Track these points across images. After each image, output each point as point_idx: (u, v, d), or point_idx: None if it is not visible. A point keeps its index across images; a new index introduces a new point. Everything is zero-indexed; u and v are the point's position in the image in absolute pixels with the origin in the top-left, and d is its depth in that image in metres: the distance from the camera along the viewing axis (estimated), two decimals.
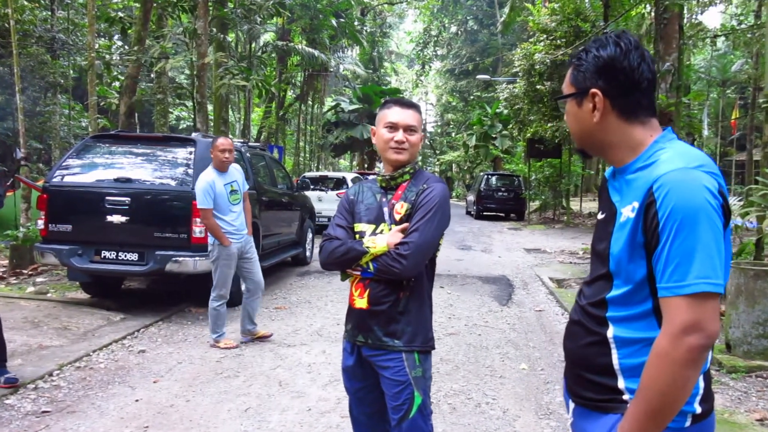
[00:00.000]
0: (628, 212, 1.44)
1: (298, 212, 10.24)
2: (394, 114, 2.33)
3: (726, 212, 1.38)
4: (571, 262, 11.61)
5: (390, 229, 2.30)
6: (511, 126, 24.93)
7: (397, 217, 2.31)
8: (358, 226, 2.39)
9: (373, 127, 2.42)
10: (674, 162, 1.38)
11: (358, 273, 2.30)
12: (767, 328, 5.04)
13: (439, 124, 57.04)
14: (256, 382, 4.66)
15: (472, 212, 24.48)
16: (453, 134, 48.55)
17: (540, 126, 18.51)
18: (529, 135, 20.13)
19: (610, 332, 1.48)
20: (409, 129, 2.32)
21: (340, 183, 16.65)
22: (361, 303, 2.31)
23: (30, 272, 8.56)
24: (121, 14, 15.63)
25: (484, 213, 23.62)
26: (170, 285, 8.14)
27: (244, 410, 4.10)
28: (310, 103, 31.59)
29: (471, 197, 25.55)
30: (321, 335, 6.08)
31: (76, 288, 7.59)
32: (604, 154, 1.58)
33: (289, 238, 9.74)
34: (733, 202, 8.53)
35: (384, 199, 2.38)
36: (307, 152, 33.43)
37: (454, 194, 46.40)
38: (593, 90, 1.50)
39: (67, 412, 4.02)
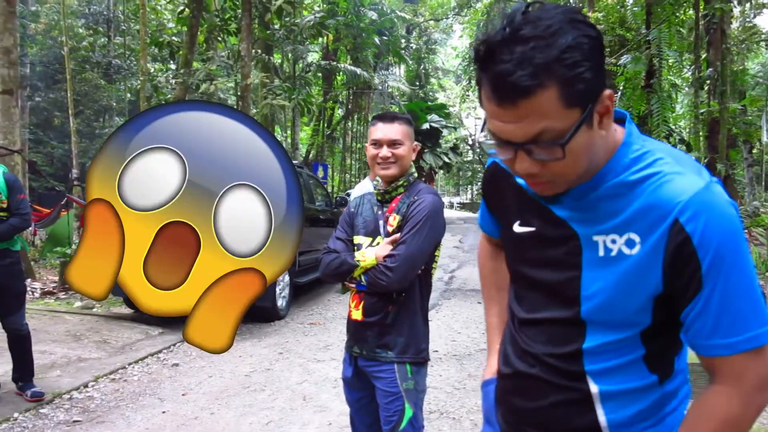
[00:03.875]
0: (619, 245, 1.07)
1: None
2: (377, 131, 2.36)
3: None
4: None
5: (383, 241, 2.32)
6: None
7: (390, 229, 2.33)
8: (357, 239, 2.43)
9: (367, 144, 2.46)
10: (689, 177, 1.04)
11: (354, 286, 2.33)
12: None
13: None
14: (281, 396, 4.70)
15: None
16: None
17: None
18: None
19: (594, 388, 1.16)
20: (393, 143, 2.33)
21: None
22: (357, 315, 2.35)
23: None
24: (170, 38, 16.21)
25: None
26: None
27: (266, 423, 4.15)
28: (356, 120, 31.95)
29: None
30: None
31: (120, 303, 7.84)
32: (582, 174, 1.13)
33: None
34: None
35: (380, 212, 2.40)
36: (354, 169, 33.76)
37: None
38: (609, 93, 1.02)
39: (96, 422, 4.15)
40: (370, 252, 2.28)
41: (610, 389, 1.15)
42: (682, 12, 11.30)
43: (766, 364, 1.05)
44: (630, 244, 1.06)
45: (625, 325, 1.11)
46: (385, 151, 2.32)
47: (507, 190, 1.27)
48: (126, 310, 7.59)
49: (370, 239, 2.37)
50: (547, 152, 0.99)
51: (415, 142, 2.43)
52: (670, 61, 11.90)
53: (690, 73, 13.59)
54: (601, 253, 1.09)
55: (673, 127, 20.14)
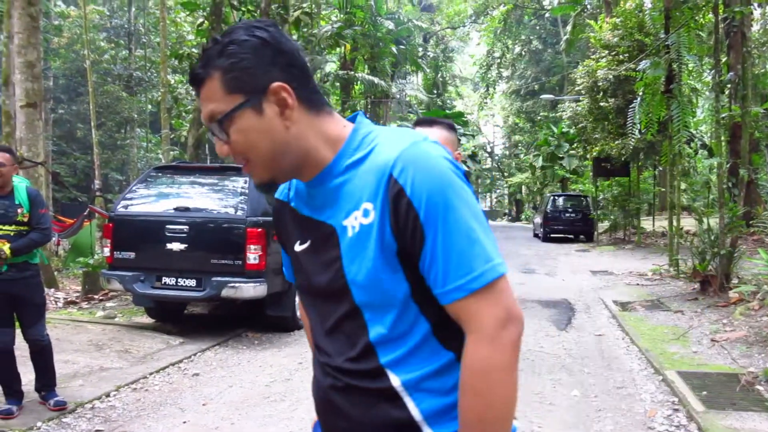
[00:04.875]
0: (359, 220, 1.11)
1: None
2: None
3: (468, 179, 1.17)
4: (638, 284, 11.18)
5: None
6: (576, 145, 24.43)
7: None
8: None
9: None
10: (401, 140, 1.11)
11: None
12: None
13: (506, 146, 56.50)
14: (301, 407, 4.70)
15: (539, 235, 23.99)
16: (521, 156, 47.96)
17: (606, 144, 18.05)
18: (594, 154, 19.67)
19: (395, 381, 1.13)
20: None
21: None
22: None
23: (101, 297, 9.00)
24: (190, 50, 16.40)
25: (551, 235, 23.10)
26: (229, 310, 8.36)
27: None
28: None
29: (537, 219, 25.06)
30: None
31: (142, 313, 7.91)
32: (300, 169, 1.18)
33: None
34: None
35: None
36: None
37: (523, 217, 45.63)
38: (277, 85, 1.10)
39: None
40: None
41: (411, 378, 1.13)
42: (701, 16, 11.18)
43: (499, 301, 1.06)
44: (366, 213, 1.11)
45: (391, 297, 1.12)
46: None
47: (287, 219, 1.32)
48: (147, 320, 7.65)
49: None
50: (218, 132, 1.14)
51: (458, 151, 2.33)
52: (689, 65, 11.75)
53: (710, 77, 13.45)
54: (350, 234, 1.13)
55: (694, 132, 19.91)
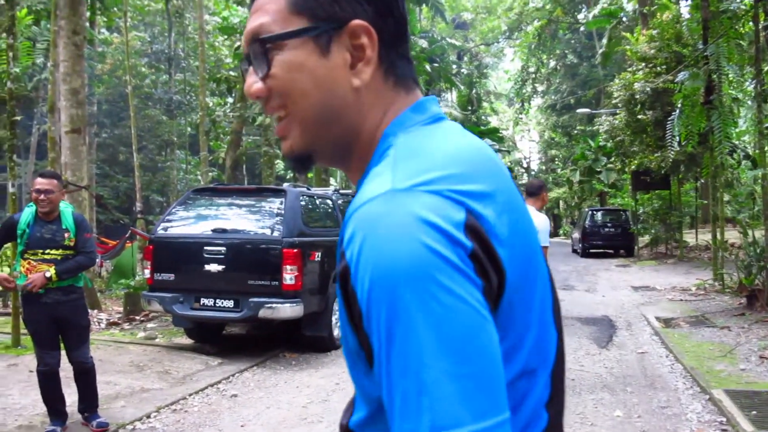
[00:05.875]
0: (341, 268, 0.74)
1: None
2: None
3: (481, 267, 0.67)
4: (681, 300, 10.89)
5: None
6: (613, 159, 24.09)
7: None
8: None
9: None
10: (381, 180, 0.72)
11: None
12: None
13: (542, 161, 55.99)
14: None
15: (578, 250, 23.62)
16: (558, 170, 47.46)
17: (644, 157, 17.76)
18: (633, 167, 19.35)
19: None
20: None
21: None
22: None
23: (142, 318, 9.17)
24: (227, 73, 16.77)
25: (591, 250, 22.72)
26: (267, 330, 8.43)
27: None
28: None
29: (576, 235, 24.70)
30: None
31: (181, 333, 8.02)
32: (348, 155, 0.86)
33: None
34: None
35: None
36: None
37: (561, 232, 45.05)
38: (359, 23, 0.79)
39: None
40: None
41: None
42: (740, 25, 10.96)
43: None
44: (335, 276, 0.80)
45: (365, 387, 0.79)
46: None
47: None
48: (187, 341, 7.76)
49: None
50: (258, 57, 0.81)
51: None
52: (729, 75, 11.51)
53: (752, 86, 13.12)
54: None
55: (737, 142, 19.43)
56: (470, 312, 0.64)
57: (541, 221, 5.06)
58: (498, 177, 0.77)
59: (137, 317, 9.20)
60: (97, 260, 11.55)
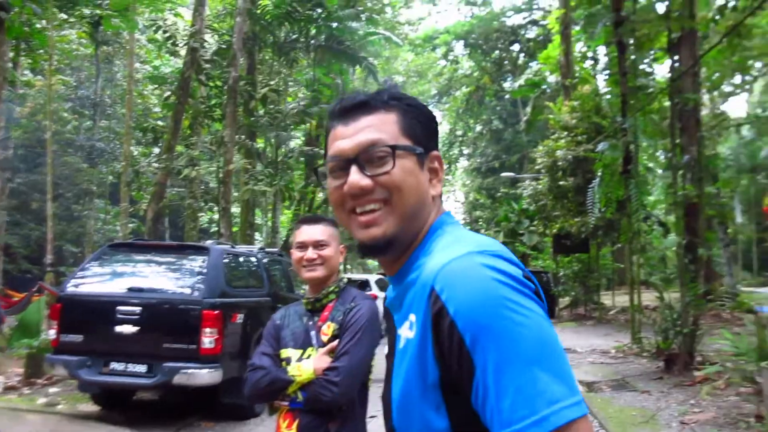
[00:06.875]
0: (405, 332, 0.99)
1: None
2: (302, 233, 2.29)
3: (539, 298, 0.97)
4: (602, 362, 11.09)
5: (317, 352, 2.18)
6: (536, 222, 24.89)
7: (324, 339, 2.21)
8: (285, 352, 2.28)
9: (292, 248, 2.37)
10: (455, 248, 0.97)
11: (286, 404, 2.17)
12: None
13: (468, 221, 57.22)
14: None
15: None
16: (482, 231, 48.48)
17: (566, 221, 18.39)
18: (555, 231, 19.99)
19: None
20: (319, 244, 2.26)
21: (363, 286, 16.55)
22: None
23: (44, 382, 8.47)
24: (155, 123, 16.39)
25: None
26: (182, 396, 7.93)
27: None
28: None
29: None
30: None
31: (87, 399, 7.43)
32: (409, 245, 1.08)
33: None
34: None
35: (311, 323, 2.28)
36: None
37: None
38: (437, 153, 1.12)
39: None
40: (307, 365, 2.14)
41: None
42: (657, 101, 11.69)
43: None
44: (411, 326, 0.98)
45: (423, 430, 0.95)
46: (310, 253, 2.25)
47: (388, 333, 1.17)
48: (93, 408, 7.18)
49: (300, 352, 2.23)
50: (377, 160, 1.04)
51: (342, 245, 2.36)
52: (644, 146, 12.21)
53: (664, 158, 13.96)
54: (400, 345, 1.01)
55: (651, 211, 20.46)
56: (547, 321, 0.93)
57: None
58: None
59: (39, 380, 8.49)
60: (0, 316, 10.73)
